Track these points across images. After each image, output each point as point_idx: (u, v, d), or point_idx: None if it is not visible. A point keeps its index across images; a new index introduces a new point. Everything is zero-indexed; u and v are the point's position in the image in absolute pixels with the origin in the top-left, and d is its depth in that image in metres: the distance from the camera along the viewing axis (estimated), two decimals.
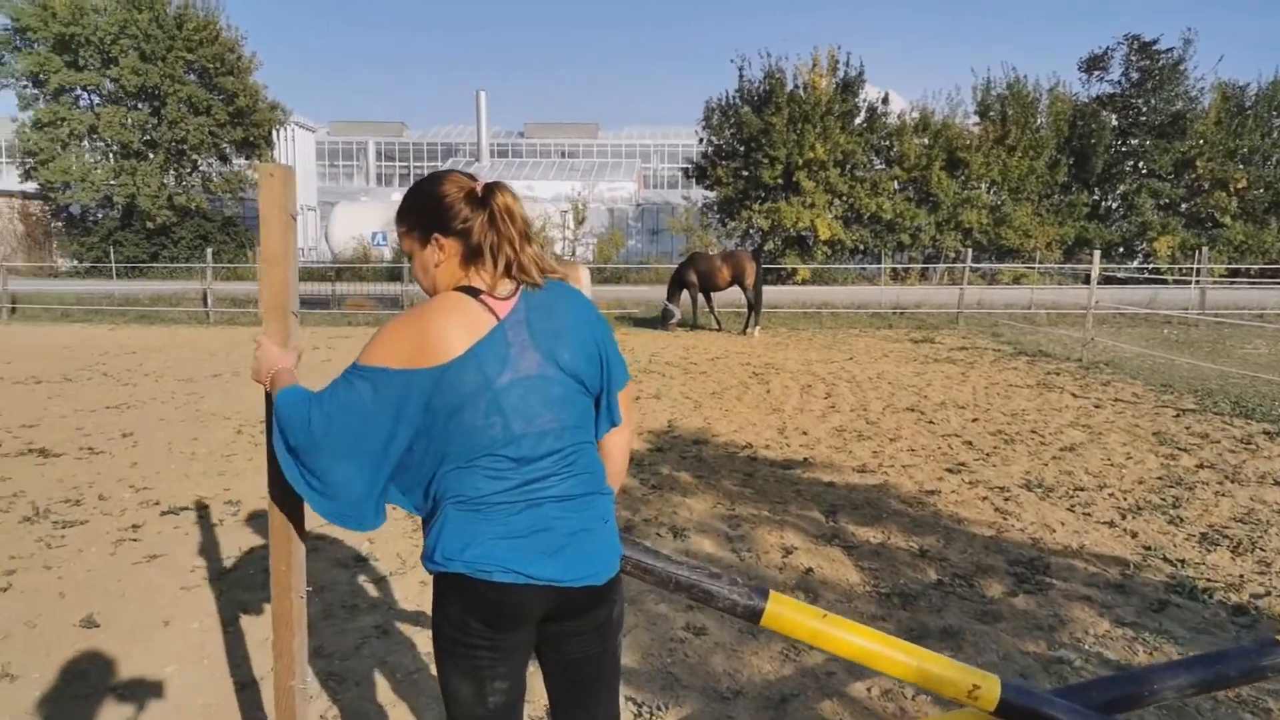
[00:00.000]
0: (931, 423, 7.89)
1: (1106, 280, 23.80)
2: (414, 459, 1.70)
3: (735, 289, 15.94)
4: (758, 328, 15.70)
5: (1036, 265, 27.13)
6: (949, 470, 6.25)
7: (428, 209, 1.76)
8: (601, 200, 39.35)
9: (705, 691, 3.19)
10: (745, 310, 15.85)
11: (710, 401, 8.93)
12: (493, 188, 1.75)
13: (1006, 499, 5.55)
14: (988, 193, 30.12)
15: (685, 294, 16.16)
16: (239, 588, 4.10)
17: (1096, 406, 8.62)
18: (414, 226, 1.78)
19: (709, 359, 12.27)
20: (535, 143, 53.36)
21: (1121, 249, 30.80)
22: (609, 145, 52.84)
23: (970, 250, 21.81)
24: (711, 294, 16.24)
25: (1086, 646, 3.54)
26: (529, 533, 1.66)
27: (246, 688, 3.20)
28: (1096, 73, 31.91)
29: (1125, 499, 5.56)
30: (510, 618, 1.66)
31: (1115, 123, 30.96)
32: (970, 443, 7.09)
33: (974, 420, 7.99)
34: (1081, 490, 5.75)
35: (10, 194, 34.69)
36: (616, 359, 1.87)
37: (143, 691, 3.18)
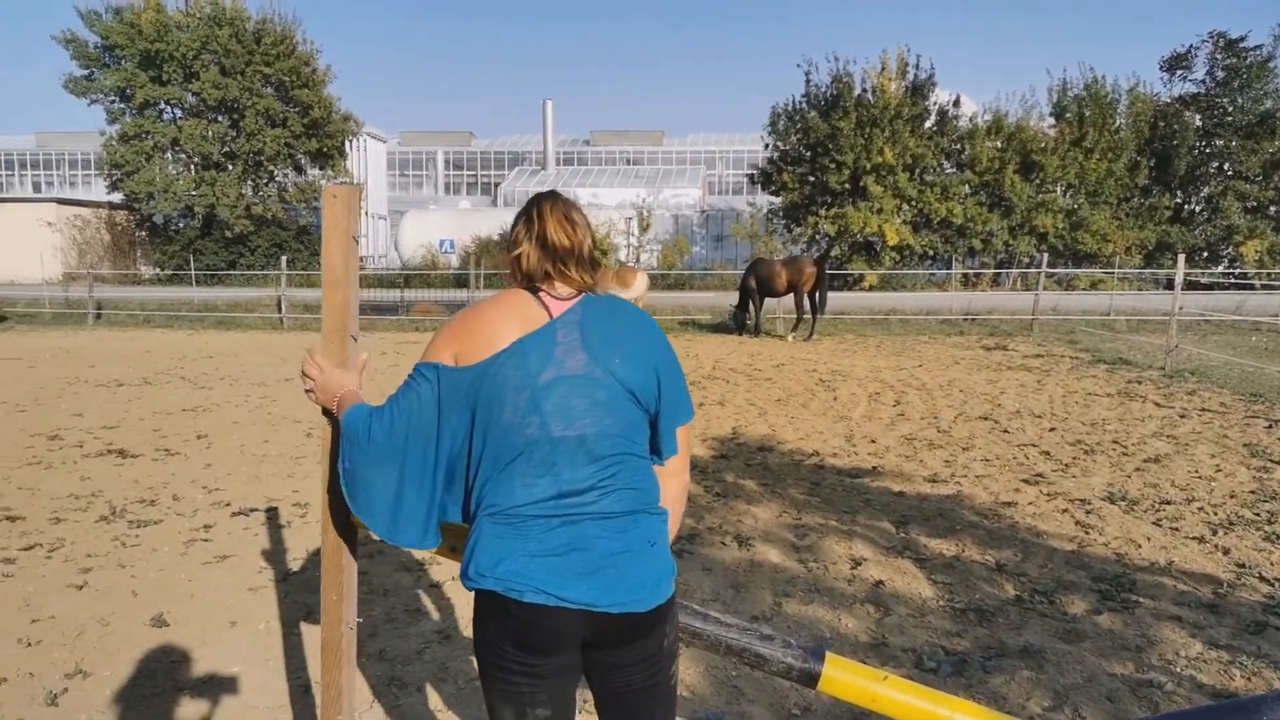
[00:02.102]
0: (1006, 432, 7.64)
1: (1190, 285, 22.89)
2: (461, 464, 1.65)
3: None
4: (794, 333, 15.64)
5: (1115, 270, 26.23)
6: (1026, 481, 6.01)
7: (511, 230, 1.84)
8: (666, 207, 39.31)
9: (772, 707, 3.08)
10: (798, 315, 15.71)
11: (775, 409, 8.79)
12: (538, 214, 1.75)
13: (1088, 512, 5.31)
14: (1064, 196, 29.28)
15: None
16: (305, 590, 4.12)
17: (1182, 416, 8.25)
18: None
19: (774, 365, 12.10)
20: (601, 150, 53.62)
21: (1206, 253, 29.66)
22: (674, 152, 52.82)
23: (1045, 255, 21.18)
24: (767, 300, 16.19)
25: (1178, 669, 3.34)
26: (564, 551, 1.55)
27: (309, 690, 3.20)
28: (1179, 72, 30.80)
29: (1216, 513, 5.28)
30: (543, 641, 1.55)
31: (1199, 123, 29.83)
32: (1048, 453, 6.83)
33: (1051, 430, 7.71)
34: (1168, 504, 5.47)
35: (98, 204, 36.12)
36: (675, 386, 1.76)
37: (209, 691, 3.20)
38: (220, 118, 32.05)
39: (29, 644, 3.53)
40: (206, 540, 4.83)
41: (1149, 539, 4.82)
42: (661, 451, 1.75)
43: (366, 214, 43.83)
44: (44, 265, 31.95)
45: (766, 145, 31.18)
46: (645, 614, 1.59)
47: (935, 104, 29.13)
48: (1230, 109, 29.58)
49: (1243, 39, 29.12)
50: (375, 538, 4.74)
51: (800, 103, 29.99)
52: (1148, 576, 4.27)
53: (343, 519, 1.97)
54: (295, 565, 4.45)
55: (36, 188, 51.54)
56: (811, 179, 29.40)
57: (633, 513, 1.63)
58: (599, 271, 1.77)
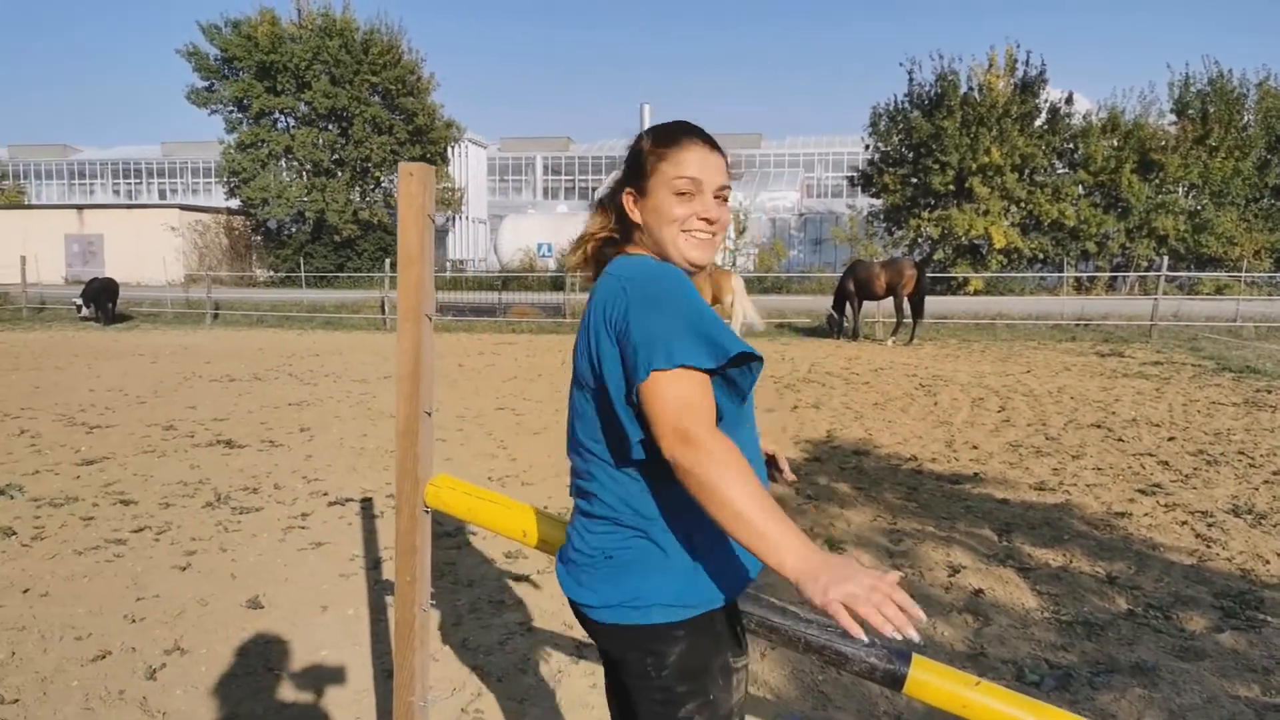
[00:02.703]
0: (1120, 440, 7.23)
1: None
2: None
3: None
4: (893, 337, 15.24)
5: (1243, 275, 24.73)
6: (1141, 491, 5.67)
7: None
8: (763, 210, 38.95)
9: (860, 714, 2.95)
10: (898, 319, 15.33)
11: (872, 412, 8.55)
12: None
13: (1210, 525, 4.96)
14: (1186, 197, 27.80)
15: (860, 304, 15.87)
16: (392, 577, 4.17)
17: None
18: None
19: (872, 370, 11.81)
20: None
21: None
22: (771, 155, 52.36)
23: (1165, 258, 20.14)
24: (866, 303, 15.85)
25: None
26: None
27: (391, 676, 3.21)
28: None
29: None
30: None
31: None
32: (1166, 463, 6.43)
33: (1170, 439, 7.27)
34: None
35: (217, 210, 37.98)
36: (628, 341, 1.37)
37: (299, 672, 3.25)
38: (330, 126, 33.30)
39: (134, 620, 3.66)
40: (303, 528, 4.94)
41: (1278, 555, 4.46)
42: (654, 438, 1.35)
43: (467, 218, 44.81)
44: (167, 268, 33.78)
45: (867, 146, 30.61)
46: (592, 619, 1.53)
47: (1046, 101, 28.08)
48: None
49: None
50: (458, 529, 4.79)
51: (903, 102, 29.34)
52: (1276, 594, 3.95)
53: (414, 502, 1.95)
54: (386, 554, 4.52)
55: (162, 195, 54.53)
56: (914, 180, 28.72)
57: (586, 517, 1.57)
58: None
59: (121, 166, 56.68)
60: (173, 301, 23.39)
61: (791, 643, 1.72)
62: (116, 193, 55.32)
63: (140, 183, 56.23)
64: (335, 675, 3.24)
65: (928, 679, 1.70)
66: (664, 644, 1.47)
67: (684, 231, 1.52)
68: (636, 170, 1.55)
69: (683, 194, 1.50)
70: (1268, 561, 4.37)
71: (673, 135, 1.53)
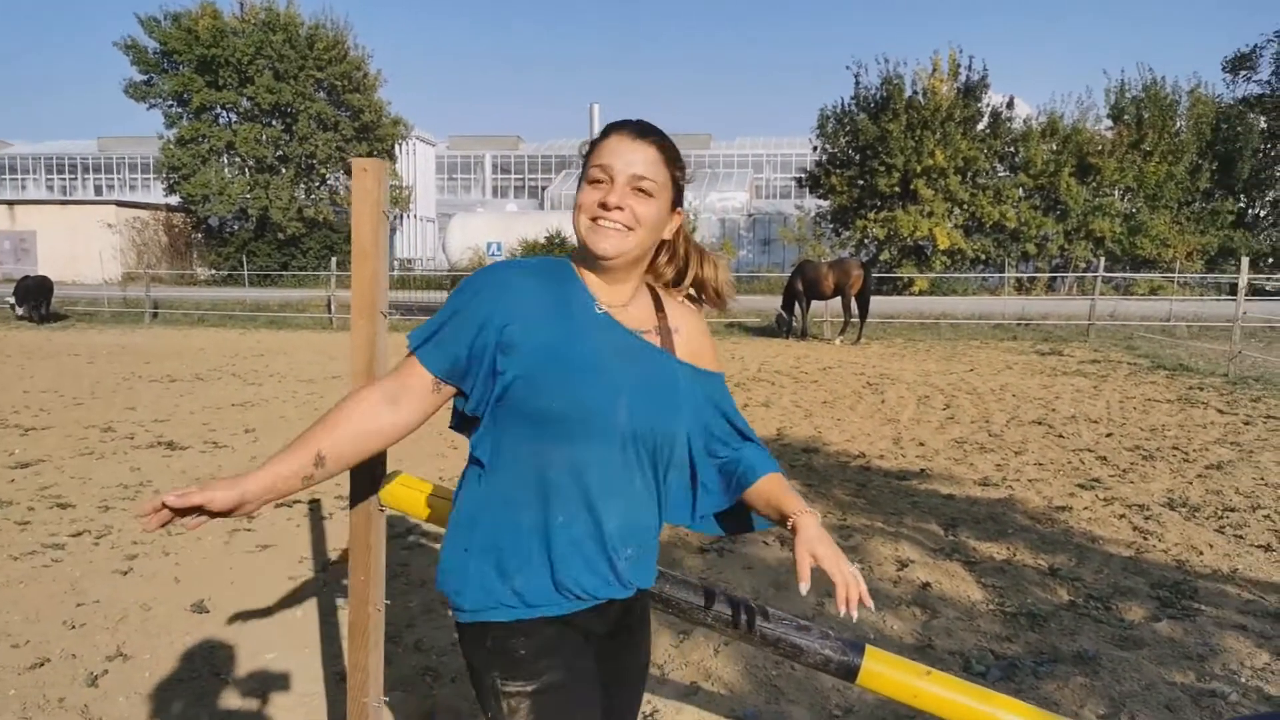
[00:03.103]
0: (1061, 436, 7.42)
1: (1254, 292, 22.14)
2: None
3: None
4: (840, 336, 15.48)
5: (1176, 276, 25.53)
6: (1081, 486, 5.82)
7: None
8: (713, 210, 39.18)
9: (812, 708, 2.99)
10: (845, 319, 15.54)
11: (822, 410, 8.65)
12: None
13: (1146, 518, 5.12)
14: (1121, 200, 28.61)
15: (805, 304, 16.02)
16: (343, 579, 4.11)
17: (1246, 423, 7.95)
18: None
19: (820, 368, 11.95)
20: None
21: (1271, 259, 28.76)
22: (720, 155, 52.64)
23: (1103, 260, 20.69)
24: (814, 302, 16.02)
25: (1243, 680, 3.17)
26: None
27: (344, 678, 3.17)
28: (1243, 73, 30.04)
29: None
30: None
31: (1264, 125, 28.98)
32: (1104, 458, 6.61)
33: (1108, 435, 7.48)
34: (1232, 511, 5.26)
35: (155, 207, 37.04)
36: None
37: (245, 677, 3.19)
38: (274, 122, 32.73)
39: (73, 626, 3.56)
40: (249, 530, 4.85)
41: (1211, 546, 4.62)
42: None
43: (415, 216, 44.34)
44: (104, 265, 32.85)
45: (815, 148, 30.97)
46: None
47: (988, 106, 28.71)
48: None
49: None
50: (411, 529, 4.74)
51: (849, 105, 29.74)
52: (1210, 584, 4.09)
53: (369, 499, 1.93)
54: (335, 555, 4.45)
55: (98, 190, 53.01)
56: (860, 182, 29.12)
57: None
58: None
59: (55, 161, 54.94)
60: (110, 300, 22.76)
61: (746, 636, 1.74)
62: (50, 188, 53.63)
63: (75, 178, 54.57)
64: (284, 678, 3.19)
65: (880, 670, 1.73)
66: (461, 643, 1.53)
67: (591, 220, 1.42)
68: (582, 170, 1.51)
69: (593, 182, 1.43)
70: (1201, 552, 4.52)
71: (604, 131, 1.47)
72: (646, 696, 3.01)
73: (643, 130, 1.45)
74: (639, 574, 1.53)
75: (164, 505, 1.32)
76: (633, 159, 1.41)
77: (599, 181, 1.42)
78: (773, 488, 1.54)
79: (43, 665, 3.23)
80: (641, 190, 1.42)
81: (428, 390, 1.48)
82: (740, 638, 1.78)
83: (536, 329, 1.42)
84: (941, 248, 27.82)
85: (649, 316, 1.54)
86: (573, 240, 1.76)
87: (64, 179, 54.65)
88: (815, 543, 1.37)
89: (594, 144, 1.46)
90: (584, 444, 1.41)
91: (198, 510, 1.35)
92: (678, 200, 1.51)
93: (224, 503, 1.35)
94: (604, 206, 1.40)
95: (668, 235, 1.54)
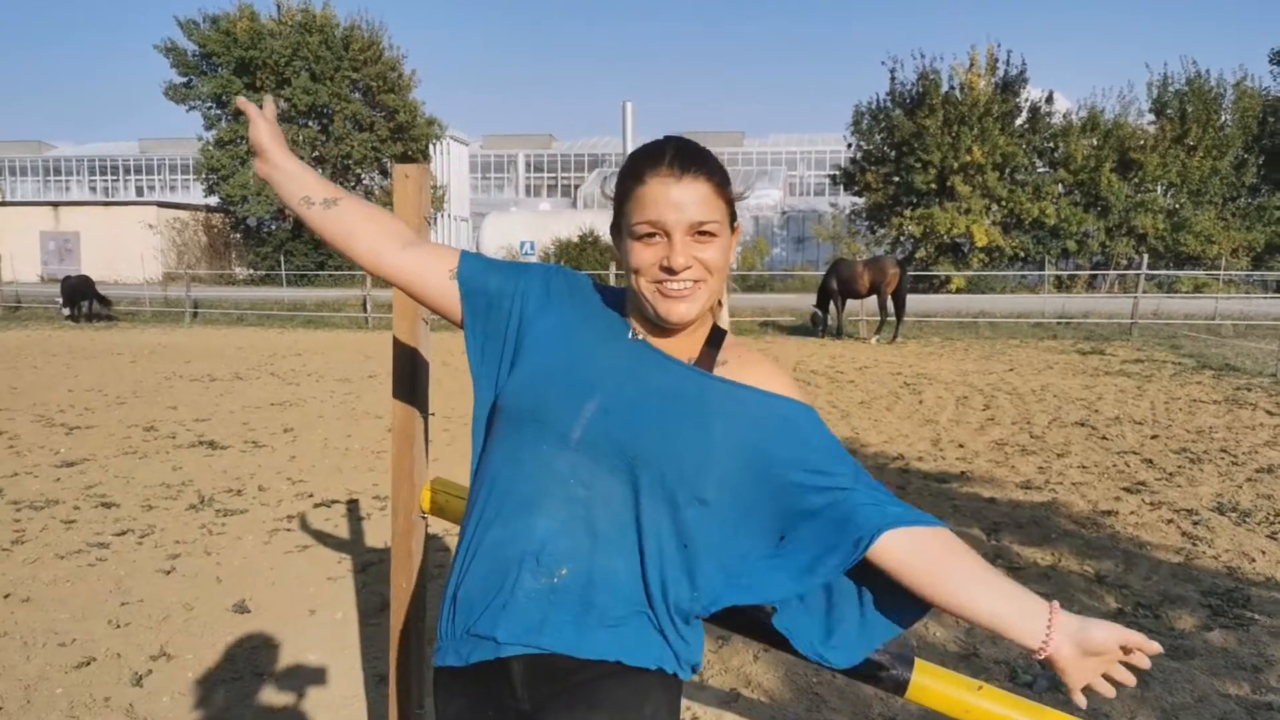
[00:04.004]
0: (1104, 439, 7.28)
1: None
2: None
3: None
4: (877, 335, 15.33)
5: (1221, 273, 25.02)
6: (1126, 490, 5.70)
7: None
8: (746, 208, 39.01)
9: (854, 716, 2.94)
10: (881, 318, 15.40)
11: (859, 411, 8.57)
12: None
13: (1195, 523, 5.00)
14: (1164, 196, 28.07)
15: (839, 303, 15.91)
16: (383, 581, 4.13)
17: None
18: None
19: (857, 368, 11.84)
20: None
21: None
22: (754, 153, 52.47)
23: (1145, 257, 20.33)
24: (849, 301, 15.88)
25: None
26: None
27: (384, 681, 3.18)
28: None
29: None
30: None
31: None
32: (1150, 461, 6.48)
33: (1153, 437, 7.32)
34: None
35: (195, 208, 37.63)
36: None
37: (287, 678, 3.21)
38: (310, 122, 33.09)
39: (118, 625, 3.60)
40: (289, 530, 4.89)
41: (1264, 553, 4.50)
42: None
43: (449, 215, 44.62)
44: (145, 266, 33.41)
45: (849, 145, 30.74)
46: None
47: (1027, 101, 28.32)
48: None
49: None
50: (447, 530, 4.75)
51: (884, 101, 29.48)
52: (1263, 592, 3.98)
53: (410, 506, 1.92)
54: (374, 556, 4.47)
55: (139, 192, 54.00)
56: (896, 179, 28.85)
57: None
58: None
59: (98, 163, 56.09)
60: (151, 300, 23.14)
61: (787, 644, 1.70)
62: (93, 190, 54.76)
63: (117, 180, 55.66)
64: (324, 680, 3.21)
65: (930, 684, 1.69)
66: None
67: (654, 285, 1.23)
68: (615, 206, 1.30)
69: (643, 238, 1.22)
70: (1253, 559, 4.41)
71: (635, 169, 1.24)
72: (686, 703, 2.99)
73: (684, 163, 1.21)
74: (566, 625, 1.20)
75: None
76: (684, 203, 1.20)
77: (651, 237, 1.22)
78: (942, 571, 1.21)
79: (89, 664, 3.27)
80: (704, 233, 1.22)
81: (443, 269, 1.39)
82: (779, 646, 1.74)
83: (550, 330, 1.34)
84: (979, 245, 27.49)
85: (691, 349, 1.33)
86: (606, 236, 1.65)
87: (106, 180, 55.74)
88: (1092, 665, 1.19)
89: (627, 186, 1.24)
90: (544, 445, 1.24)
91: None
92: (733, 217, 1.32)
93: (260, 140, 1.45)
94: (669, 270, 1.21)
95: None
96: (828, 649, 1.32)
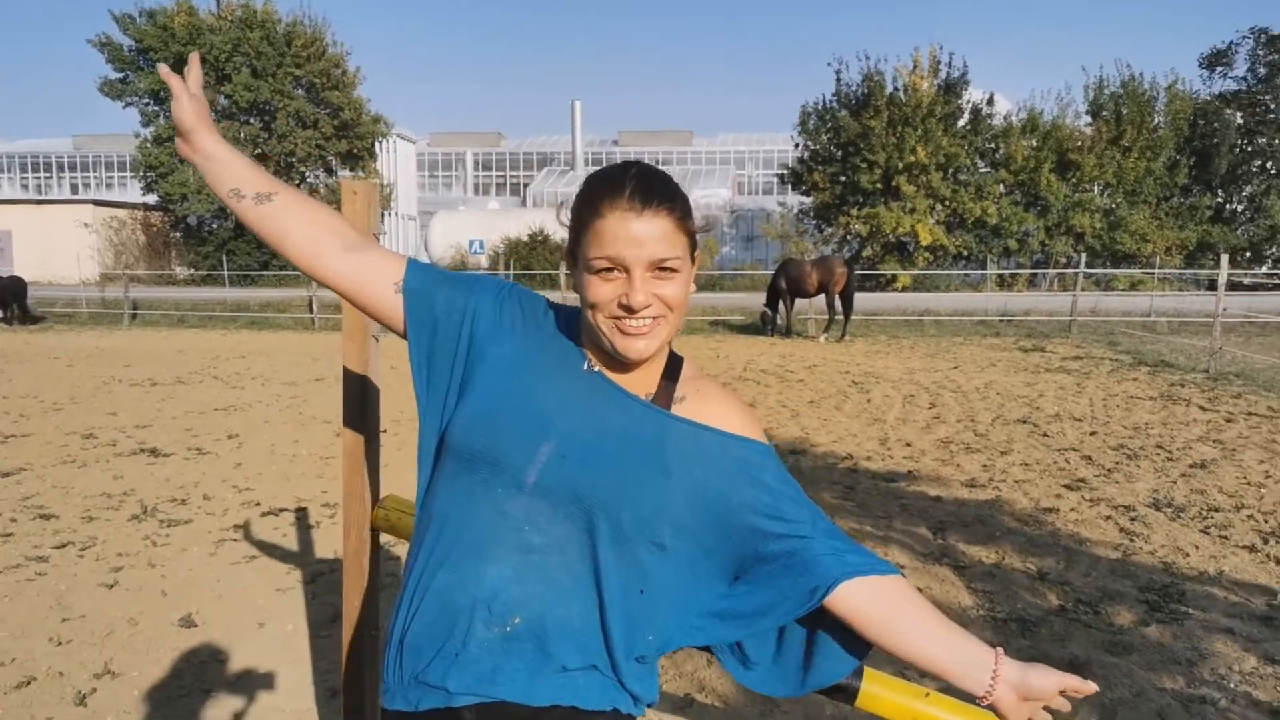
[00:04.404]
0: (1046, 436, 7.47)
1: (1233, 287, 22.38)
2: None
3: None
4: (825, 334, 15.55)
5: (1155, 271, 25.78)
6: (1067, 487, 5.86)
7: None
8: (695, 207, 39.13)
9: (807, 719, 2.99)
10: (829, 316, 15.61)
11: (808, 410, 8.67)
12: None
13: (1133, 519, 5.15)
14: (1101, 196, 28.84)
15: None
16: (333, 591, 4.08)
17: (1228, 420, 8.03)
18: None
19: (806, 367, 11.97)
20: (629, 150, 53.63)
21: (1249, 254, 29.09)
22: (703, 152, 52.72)
23: (1083, 255, 20.86)
24: (797, 300, 16.06)
25: (1232, 685, 3.20)
26: None
27: (336, 695, 3.15)
28: (1219, 69, 30.34)
29: (1267, 521, 5.10)
30: None
31: (1240, 121, 29.28)
32: (1089, 458, 6.66)
33: (1092, 434, 7.53)
34: (1216, 511, 5.30)
35: (133, 206, 36.67)
36: None
37: (236, 692, 3.16)
38: (252, 120, 32.46)
39: (59, 643, 3.51)
40: (236, 540, 4.81)
41: (1197, 548, 4.66)
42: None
43: (396, 214, 44.12)
44: (81, 266, 32.49)
45: (797, 145, 31.05)
46: None
47: (969, 102, 28.87)
48: (1273, 106, 29.01)
49: None
50: (399, 542, 4.71)
51: (831, 102, 29.81)
52: (1197, 587, 4.12)
53: (363, 524, 1.91)
54: (324, 567, 4.42)
55: (74, 190, 52.47)
56: (843, 179, 29.21)
57: None
58: None
59: (30, 160, 54.34)
60: (88, 301, 22.52)
61: None
62: (25, 188, 53.05)
63: (50, 177, 53.99)
64: (275, 695, 3.16)
65: (879, 692, 1.72)
66: None
67: (611, 320, 1.19)
68: (571, 234, 1.24)
69: (600, 273, 1.17)
70: (1187, 554, 4.56)
71: (594, 200, 1.18)
72: None
73: (645, 196, 1.16)
74: (520, 674, 1.17)
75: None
76: (644, 239, 1.15)
77: (609, 272, 1.17)
78: (896, 619, 1.23)
79: (29, 684, 3.18)
80: (665, 269, 1.18)
81: (388, 281, 1.31)
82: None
83: (501, 357, 1.27)
84: (924, 244, 27.96)
85: (648, 382, 1.29)
86: (557, 235, 1.55)
87: (39, 178, 54.05)
88: (1030, 706, 1.21)
89: (584, 217, 1.19)
90: (497, 488, 1.19)
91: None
92: (694, 247, 1.27)
93: (183, 118, 1.35)
94: (627, 309, 1.17)
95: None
96: (770, 682, 1.33)
